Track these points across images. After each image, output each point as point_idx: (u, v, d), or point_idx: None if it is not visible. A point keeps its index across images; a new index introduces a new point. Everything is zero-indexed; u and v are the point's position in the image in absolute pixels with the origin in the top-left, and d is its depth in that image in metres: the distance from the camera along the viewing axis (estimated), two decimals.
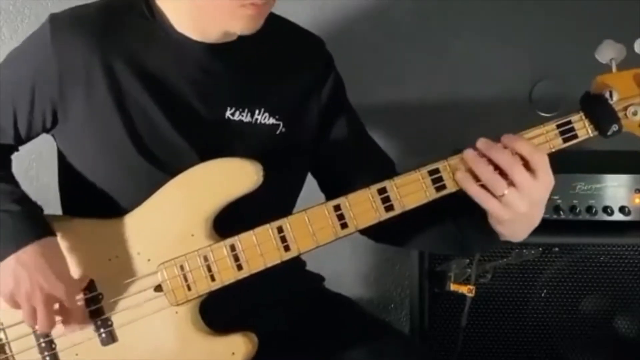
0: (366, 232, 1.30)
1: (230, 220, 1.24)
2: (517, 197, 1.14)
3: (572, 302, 1.75)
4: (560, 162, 1.78)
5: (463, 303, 1.71)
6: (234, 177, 1.24)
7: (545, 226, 1.73)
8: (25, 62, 1.30)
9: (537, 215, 1.21)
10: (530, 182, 1.13)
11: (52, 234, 1.24)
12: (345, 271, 2.15)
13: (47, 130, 1.32)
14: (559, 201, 1.73)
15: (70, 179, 1.34)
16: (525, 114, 2.08)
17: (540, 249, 1.73)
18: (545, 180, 1.15)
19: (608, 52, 1.19)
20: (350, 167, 1.42)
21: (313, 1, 2.01)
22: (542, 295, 1.75)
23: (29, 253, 1.20)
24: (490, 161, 1.14)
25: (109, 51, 1.26)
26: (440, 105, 2.08)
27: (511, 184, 1.14)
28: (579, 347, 1.77)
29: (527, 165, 1.14)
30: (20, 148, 1.38)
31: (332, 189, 1.41)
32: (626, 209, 1.72)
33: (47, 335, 1.26)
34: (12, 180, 1.32)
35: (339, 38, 1.99)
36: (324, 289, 1.52)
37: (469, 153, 1.16)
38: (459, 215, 1.29)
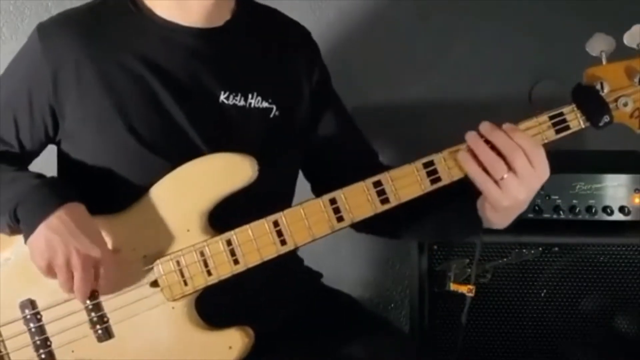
0: None
1: (228, 212, 1.24)
2: (516, 183, 1.15)
3: (571, 302, 1.75)
4: (560, 162, 1.78)
5: (463, 303, 1.71)
6: (229, 172, 1.24)
7: (545, 226, 1.75)
8: (19, 72, 1.32)
9: (525, 206, 1.22)
10: (530, 169, 1.15)
11: (78, 200, 1.23)
12: (345, 271, 2.15)
13: (51, 138, 1.34)
14: (558, 201, 1.73)
15: (71, 180, 1.34)
16: (525, 114, 2.08)
17: (540, 249, 1.73)
18: (542, 171, 1.16)
19: (598, 45, 1.20)
20: (338, 156, 1.44)
21: (313, 1, 2.01)
22: (542, 295, 1.75)
23: (58, 218, 1.19)
24: (492, 146, 1.16)
25: (98, 48, 1.28)
26: (440, 105, 2.08)
27: (511, 169, 1.14)
28: (578, 347, 1.77)
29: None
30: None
31: (319, 180, 1.45)
32: (626, 209, 1.72)
33: (42, 332, 1.26)
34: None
35: (339, 38, 1.99)
36: (322, 285, 1.52)
37: (471, 135, 1.17)
38: (444, 203, 1.29)
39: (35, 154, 1.37)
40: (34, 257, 1.21)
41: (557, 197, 1.73)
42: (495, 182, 1.15)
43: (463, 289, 1.69)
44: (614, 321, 1.76)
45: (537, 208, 1.73)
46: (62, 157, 1.35)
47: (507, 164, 1.15)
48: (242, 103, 1.33)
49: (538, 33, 2.05)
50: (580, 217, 1.73)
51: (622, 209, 1.72)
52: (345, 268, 2.15)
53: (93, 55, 1.27)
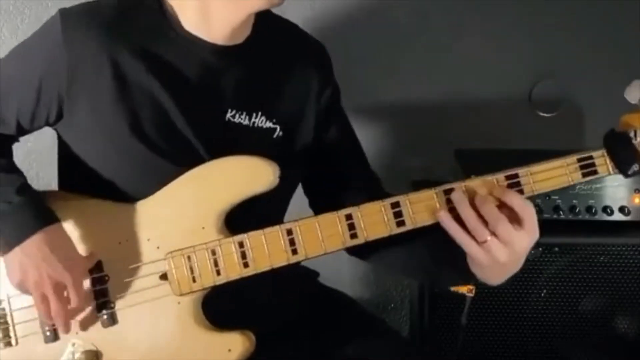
0: None
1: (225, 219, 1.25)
2: (499, 246, 1.14)
3: (571, 302, 1.75)
4: None
5: (463, 303, 1.71)
6: (252, 175, 1.25)
7: (545, 226, 1.75)
8: (34, 56, 1.29)
9: (516, 265, 1.20)
10: (513, 234, 1.14)
11: (56, 220, 1.23)
12: (345, 271, 2.15)
13: (49, 124, 1.32)
14: (558, 201, 1.73)
15: (72, 171, 1.34)
16: (525, 114, 2.08)
17: (540, 249, 1.73)
18: (531, 233, 1.16)
19: (638, 92, 1.20)
20: (339, 176, 1.42)
21: (313, 1, 2.01)
22: (542, 295, 1.75)
23: (33, 243, 1.20)
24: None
25: (118, 46, 1.26)
26: (441, 105, 2.08)
27: (494, 233, 1.14)
28: (578, 347, 1.77)
29: (515, 216, 1.15)
30: (20, 140, 1.37)
31: (318, 197, 1.43)
32: (626, 209, 1.72)
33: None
34: (13, 169, 1.31)
35: (339, 38, 1.99)
36: (318, 284, 1.52)
37: (458, 196, 1.17)
38: (437, 248, 1.28)
39: (29, 132, 1.35)
40: (7, 274, 1.23)
41: (557, 197, 1.73)
42: (478, 243, 1.15)
43: (463, 289, 1.69)
44: (614, 321, 1.76)
45: (537, 208, 1.73)
46: (64, 146, 1.34)
47: (489, 229, 1.14)
48: (246, 122, 1.32)
49: (538, 33, 2.05)
50: (580, 217, 1.73)
51: (622, 209, 1.72)
52: (345, 268, 2.15)
53: (112, 54, 1.25)
